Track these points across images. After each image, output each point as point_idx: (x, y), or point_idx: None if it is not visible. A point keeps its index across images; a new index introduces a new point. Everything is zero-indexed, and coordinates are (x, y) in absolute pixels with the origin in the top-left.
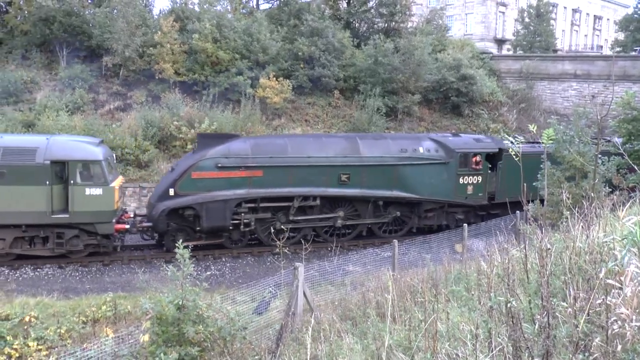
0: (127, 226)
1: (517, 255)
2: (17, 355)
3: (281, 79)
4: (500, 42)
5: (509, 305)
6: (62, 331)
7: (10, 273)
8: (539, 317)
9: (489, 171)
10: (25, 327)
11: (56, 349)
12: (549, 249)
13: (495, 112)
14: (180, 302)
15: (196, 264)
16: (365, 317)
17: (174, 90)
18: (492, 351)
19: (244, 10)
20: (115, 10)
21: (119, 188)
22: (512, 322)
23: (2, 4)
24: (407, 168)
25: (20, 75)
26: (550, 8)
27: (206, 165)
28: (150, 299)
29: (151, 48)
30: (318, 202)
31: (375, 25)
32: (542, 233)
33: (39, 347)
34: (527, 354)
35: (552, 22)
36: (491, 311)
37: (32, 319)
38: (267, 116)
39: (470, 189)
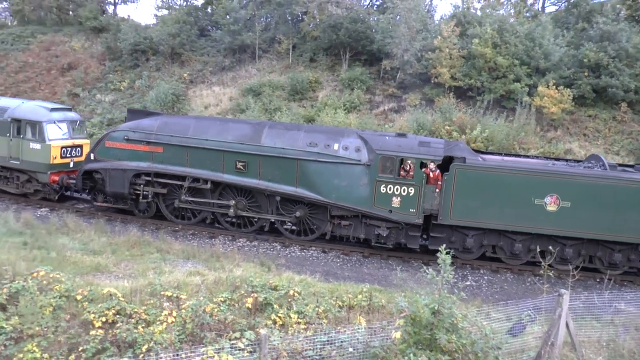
0: (57, 178)
1: None
2: (280, 322)
3: (561, 87)
4: None
5: None
6: (320, 310)
7: (281, 249)
8: None
9: (426, 183)
10: (289, 300)
11: (313, 325)
12: None
13: None
14: (436, 307)
15: (454, 272)
16: None
17: (448, 94)
18: None
19: (527, 14)
20: (398, 17)
21: (66, 148)
22: None
23: (299, 13)
24: (312, 165)
25: (307, 76)
26: None
27: (117, 137)
28: (405, 298)
29: (429, 52)
30: (209, 185)
31: None
32: None
33: (299, 320)
34: None
35: None
36: None
37: (295, 294)
38: (542, 127)
39: (396, 201)
